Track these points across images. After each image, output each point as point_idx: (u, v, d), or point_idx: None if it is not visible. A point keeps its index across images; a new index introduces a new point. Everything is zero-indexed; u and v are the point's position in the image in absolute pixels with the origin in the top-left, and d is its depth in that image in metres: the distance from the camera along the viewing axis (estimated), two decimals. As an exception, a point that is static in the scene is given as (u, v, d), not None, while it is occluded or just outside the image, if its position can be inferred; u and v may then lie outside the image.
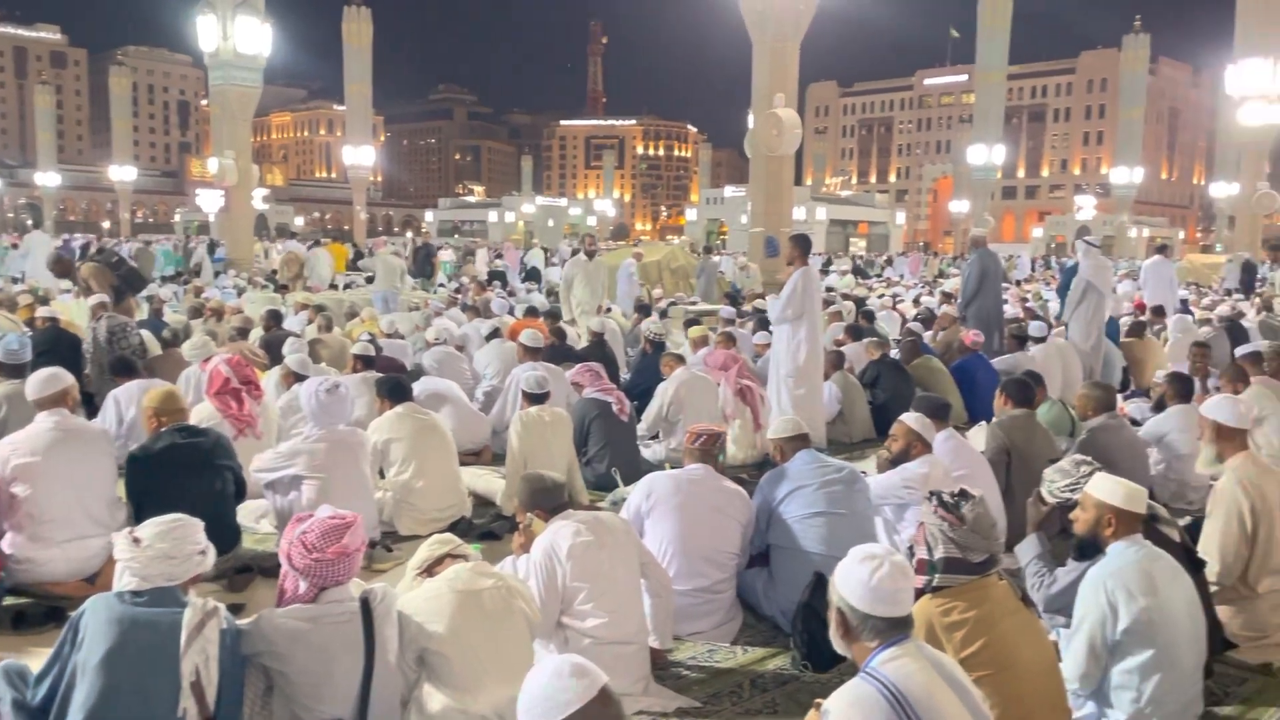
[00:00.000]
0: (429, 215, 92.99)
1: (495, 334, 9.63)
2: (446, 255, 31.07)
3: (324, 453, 5.10)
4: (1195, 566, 3.87)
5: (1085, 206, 65.12)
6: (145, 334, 9.32)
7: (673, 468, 5.26)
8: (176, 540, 2.85)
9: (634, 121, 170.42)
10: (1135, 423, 7.52)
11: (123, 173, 65.34)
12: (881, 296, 19.01)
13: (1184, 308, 15.94)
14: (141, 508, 4.57)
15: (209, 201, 44.08)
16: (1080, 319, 10.39)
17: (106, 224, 75.72)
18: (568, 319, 12.15)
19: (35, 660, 2.97)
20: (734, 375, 7.80)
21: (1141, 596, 3.27)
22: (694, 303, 17.40)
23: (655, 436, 7.82)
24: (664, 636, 4.11)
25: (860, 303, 15.44)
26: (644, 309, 13.46)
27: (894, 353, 9.76)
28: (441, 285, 22.51)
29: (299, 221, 75.92)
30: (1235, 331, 11.65)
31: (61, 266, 12.28)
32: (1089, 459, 4.17)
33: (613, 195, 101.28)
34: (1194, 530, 4.48)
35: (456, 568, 3.30)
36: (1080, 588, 3.43)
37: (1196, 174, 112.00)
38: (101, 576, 4.48)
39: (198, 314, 12.36)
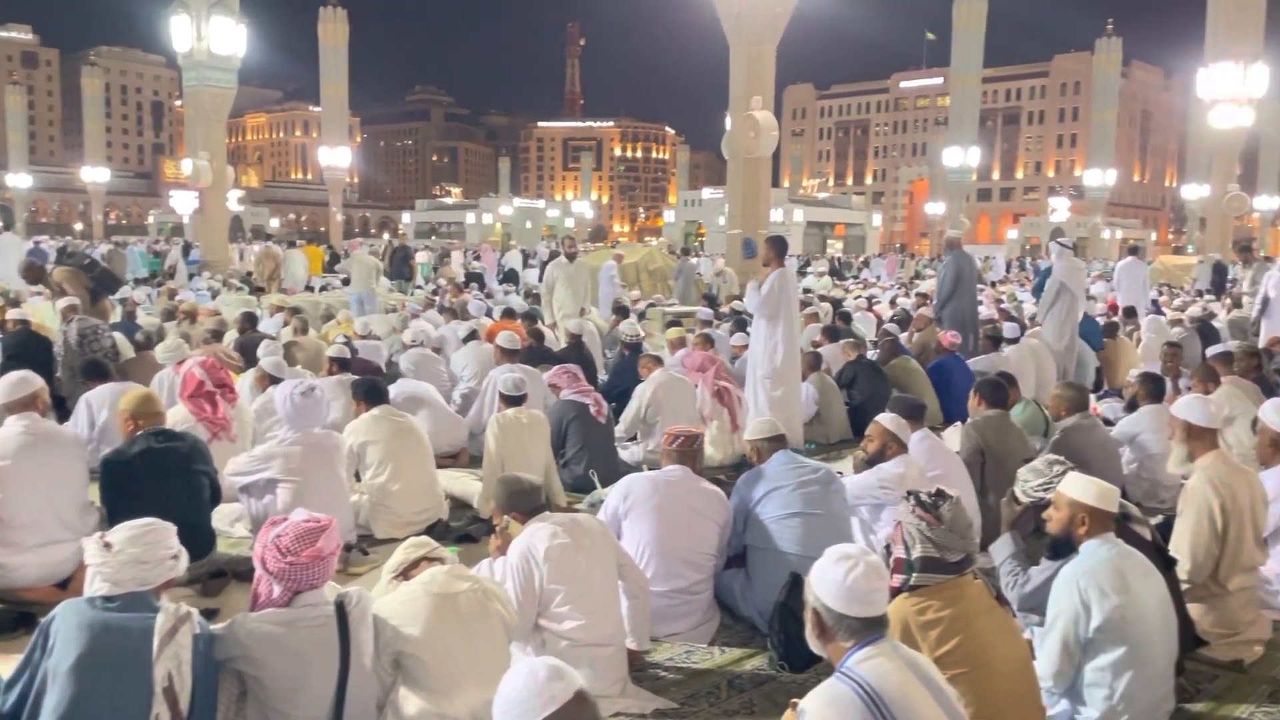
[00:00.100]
0: (406, 217, 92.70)
1: (472, 336, 9.60)
2: (423, 257, 30.95)
3: (299, 456, 5.06)
4: (1167, 565, 3.90)
5: (1059, 208, 65.75)
6: (118, 336, 9.23)
7: (651, 469, 5.26)
8: (148, 545, 2.82)
9: (612, 123, 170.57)
10: (1108, 422, 7.59)
11: (95, 174, 64.74)
12: (858, 298, 19.10)
13: (1155, 308, 16.12)
14: (115, 513, 4.51)
15: (183, 203, 43.76)
16: (1054, 320, 10.49)
17: (79, 226, 74.88)
18: (549, 323, 12.10)
19: (5, 666, 2.93)
20: (711, 376, 7.81)
21: (1114, 594, 3.30)
22: (672, 304, 17.42)
23: (633, 438, 7.81)
24: (641, 638, 4.11)
25: (837, 304, 15.52)
26: (622, 310, 13.46)
27: (871, 354, 9.81)
28: (419, 287, 22.42)
29: (274, 223, 75.42)
30: (1206, 332, 11.80)
31: (33, 273, 12.12)
32: (1062, 459, 4.20)
33: (591, 197, 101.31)
34: (1165, 529, 4.52)
35: (433, 571, 3.28)
36: (1053, 586, 3.45)
37: (1168, 176, 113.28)
38: (73, 582, 4.42)
39: (171, 316, 12.24)
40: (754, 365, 8.06)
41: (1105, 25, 62.17)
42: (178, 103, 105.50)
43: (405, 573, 3.35)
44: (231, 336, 10.09)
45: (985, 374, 7.41)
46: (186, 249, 27.20)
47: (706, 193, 77.94)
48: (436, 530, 5.66)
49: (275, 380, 6.68)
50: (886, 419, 5.01)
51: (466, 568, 3.46)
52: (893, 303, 17.92)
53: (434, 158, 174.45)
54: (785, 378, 7.92)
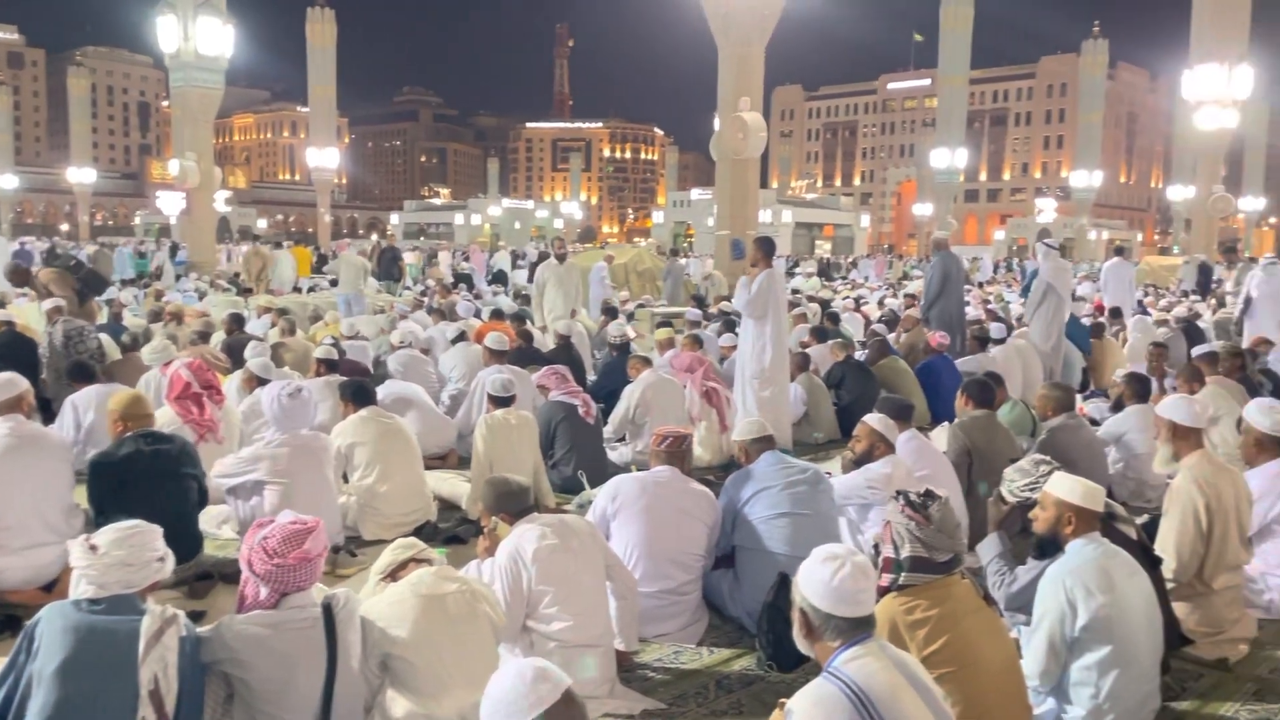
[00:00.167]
0: (394, 218, 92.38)
1: (461, 337, 9.58)
2: (411, 258, 30.87)
3: (286, 457, 5.05)
4: (1152, 564, 3.93)
5: (1046, 209, 66.01)
6: (104, 338, 9.19)
7: (639, 470, 5.26)
8: (134, 547, 2.81)
9: (600, 124, 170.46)
10: (1094, 422, 7.63)
11: (81, 175, 64.36)
12: (846, 298, 19.13)
13: (1140, 309, 16.20)
14: (103, 515, 4.49)
15: (170, 204, 43.50)
16: (1040, 320, 10.55)
17: (65, 227, 74.56)
18: (540, 325, 12.08)
19: (-10, 670, 2.91)
20: (700, 377, 7.82)
21: (1100, 594, 3.32)
22: (661, 305, 17.42)
23: (622, 439, 7.81)
24: (630, 639, 4.11)
25: (825, 305, 15.54)
26: (610, 311, 13.45)
27: (859, 354, 9.83)
28: (407, 288, 22.36)
29: (262, 224, 75.07)
30: (1192, 332, 11.88)
31: (19, 276, 12.03)
32: (1048, 458, 4.23)
33: (579, 198, 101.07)
34: (1151, 528, 4.54)
35: (420, 572, 3.28)
36: (1040, 585, 3.47)
37: (1154, 177, 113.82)
38: (59, 584, 4.40)
39: (157, 318, 12.18)
40: (742, 366, 8.07)
41: (1091, 27, 62.70)
42: (164, 103, 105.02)
43: (393, 574, 3.35)
44: (219, 338, 10.06)
45: (973, 374, 7.44)
46: (173, 250, 27.09)
47: (695, 193, 77.86)
48: (425, 532, 5.65)
49: (262, 381, 6.66)
50: (874, 419, 5.02)
51: (454, 569, 3.46)
52: (880, 303, 17.95)
53: (422, 158, 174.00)
54: (773, 378, 7.93)
